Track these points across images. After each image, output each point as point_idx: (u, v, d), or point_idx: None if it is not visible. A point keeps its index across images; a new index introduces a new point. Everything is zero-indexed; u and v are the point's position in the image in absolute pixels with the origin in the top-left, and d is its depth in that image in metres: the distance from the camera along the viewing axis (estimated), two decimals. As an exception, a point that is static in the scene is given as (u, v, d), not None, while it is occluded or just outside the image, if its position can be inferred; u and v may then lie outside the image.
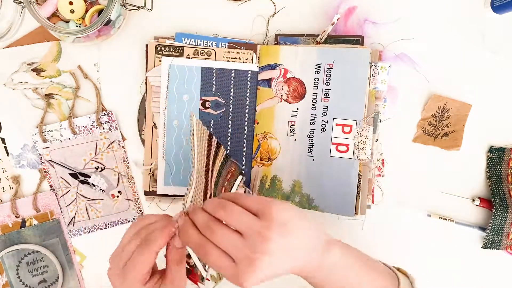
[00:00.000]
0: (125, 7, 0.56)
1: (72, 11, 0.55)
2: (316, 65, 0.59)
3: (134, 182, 0.63)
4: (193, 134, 0.51)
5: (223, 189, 0.58)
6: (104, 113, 0.62)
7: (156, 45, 0.60)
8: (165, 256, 0.46)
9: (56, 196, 0.63)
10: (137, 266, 0.43)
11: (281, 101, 0.61)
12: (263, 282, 0.40)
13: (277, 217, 0.41)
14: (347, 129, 0.59)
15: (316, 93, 0.60)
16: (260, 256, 0.39)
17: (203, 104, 0.62)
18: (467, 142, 0.62)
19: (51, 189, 0.63)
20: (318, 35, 0.60)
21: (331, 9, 0.61)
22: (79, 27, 0.56)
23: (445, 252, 0.64)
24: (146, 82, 0.62)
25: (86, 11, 0.56)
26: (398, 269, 0.53)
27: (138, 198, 0.64)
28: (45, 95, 0.62)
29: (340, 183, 0.60)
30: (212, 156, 0.56)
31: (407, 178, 0.63)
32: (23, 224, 0.62)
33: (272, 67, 0.61)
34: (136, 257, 0.43)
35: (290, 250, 0.41)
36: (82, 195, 0.63)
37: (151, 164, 0.62)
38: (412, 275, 0.52)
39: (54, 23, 0.56)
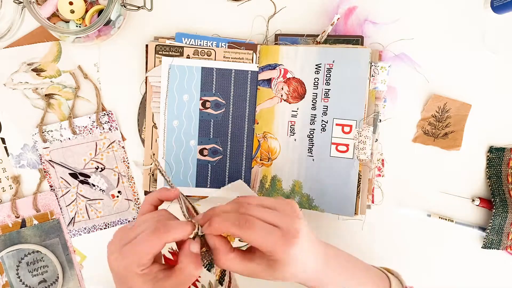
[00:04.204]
0: (125, 7, 0.56)
1: (72, 11, 0.55)
2: (316, 65, 0.59)
3: (134, 182, 0.63)
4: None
5: None
6: (104, 113, 0.62)
7: (156, 45, 0.60)
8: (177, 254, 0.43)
9: (56, 196, 0.63)
10: (140, 249, 0.39)
11: (281, 101, 0.61)
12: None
13: (301, 212, 0.44)
14: (347, 129, 0.59)
15: (316, 93, 0.60)
16: (298, 216, 0.42)
17: (203, 104, 0.62)
18: (467, 142, 0.62)
19: (51, 189, 0.63)
20: (318, 35, 0.60)
21: (331, 9, 0.61)
22: (79, 27, 0.56)
23: (445, 252, 0.64)
24: (146, 82, 0.62)
25: (86, 11, 0.56)
26: (387, 270, 0.53)
27: (138, 198, 0.64)
28: (45, 95, 0.62)
29: (340, 183, 0.60)
30: None
31: (407, 178, 0.63)
32: (23, 224, 0.62)
33: (272, 67, 0.61)
34: (142, 239, 0.39)
35: (311, 245, 0.43)
36: (82, 195, 0.63)
37: (151, 164, 0.62)
38: (397, 271, 0.53)
39: (54, 23, 0.56)
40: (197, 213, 0.47)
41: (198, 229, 0.42)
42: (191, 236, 0.41)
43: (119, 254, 0.40)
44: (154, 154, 0.45)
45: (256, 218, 0.41)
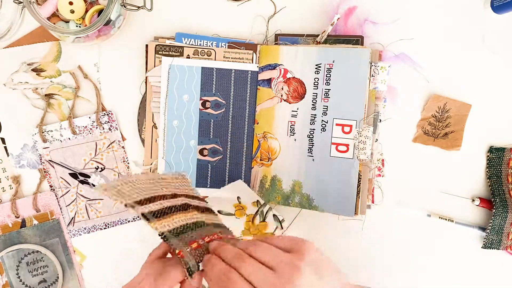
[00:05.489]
0: (125, 7, 0.56)
1: (72, 11, 0.55)
2: (316, 65, 0.60)
3: (134, 182, 0.63)
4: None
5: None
6: (104, 113, 0.62)
7: (156, 45, 0.60)
8: None
9: (56, 196, 0.63)
10: None
11: (281, 101, 0.61)
12: None
13: (309, 253, 0.38)
14: (347, 129, 0.59)
15: (316, 93, 0.60)
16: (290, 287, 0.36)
17: (203, 104, 0.62)
18: (467, 142, 0.62)
19: (51, 189, 0.63)
20: (318, 35, 0.60)
21: (331, 9, 0.61)
22: (79, 27, 0.56)
23: (445, 252, 0.64)
24: (146, 82, 0.62)
25: (86, 11, 0.56)
26: None
27: (138, 198, 0.64)
28: (45, 95, 0.62)
29: (340, 183, 0.60)
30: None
31: (407, 178, 0.63)
32: (23, 224, 0.62)
33: (272, 67, 0.61)
34: None
35: None
36: (82, 195, 0.63)
37: (151, 164, 0.62)
38: None
39: (54, 23, 0.56)
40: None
41: (192, 266, 0.40)
42: (191, 275, 0.40)
43: None
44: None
45: (242, 278, 0.37)
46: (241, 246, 0.40)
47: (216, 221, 0.46)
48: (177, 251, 0.40)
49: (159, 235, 0.39)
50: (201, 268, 0.41)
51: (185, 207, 0.43)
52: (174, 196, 0.44)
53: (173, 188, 0.45)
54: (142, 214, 0.39)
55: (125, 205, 0.39)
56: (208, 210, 0.46)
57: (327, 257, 0.41)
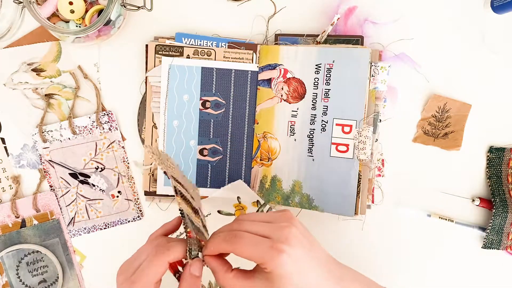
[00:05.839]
0: (125, 7, 0.56)
1: (72, 11, 0.55)
2: (316, 65, 0.59)
3: (134, 182, 0.63)
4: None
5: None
6: (104, 113, 0.62)
7: (156, 45, 0.60)
8: (178, 278, 0.44)
9: (56, 196, 0.63)
10: (145, 275, 0.41)
11: (281, 101, 0.61)
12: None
13: (295, 218, 0.43)
14: (347, 129, 0.59)
15: (316, 93, 0.60)
16: (289, 225, 0.41)
17: (203, 104, 0.62)
18: (467, 142, 0.62)
19: (51, 189, 0.63)
20: (318, 35, 0.60)
21: (331, 9, 0.61)
22: (79, 27, 0.56)
23: (445, 252, 0.64)
24: (146, 82, 0.62)
25: (86, 11, 0.56)
26: None
27: (138, 198, 0.64)
28: (45, 95, 0.62)
29: (340, 183, 0.60)
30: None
31: (407, 178, 0.63)
32: (23, 224, 0.62)
33: (272, 67, 0.61)
34: (147, 264, 0.41)
35: (309, 255, 0.41)
36: (82, 195, 0.63)
37: (151, 164, 0.62)
38: None
39: (54, 23, 0.56)
40: (204, 227, 0.47)
41: (193, 249, 0.42)
42: (191, 257, 0.42)
43: (129, 283, 0.42)
44: (150, 145, 0.45)
45: (246, 232, 0.41)
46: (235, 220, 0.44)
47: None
48: (188, 230, 0.42)
49: (179, 209, 0.42)
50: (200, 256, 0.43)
51: (195, 211, 0.45)
52: (191, 197, 0.46)
53: (191, 190, 0.47)
54: (175, 187, 0.41)
55: (164, 173, 0.43)
56: (205, 227, 0.48)
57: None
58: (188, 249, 0.42)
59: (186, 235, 0.43)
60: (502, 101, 0.62)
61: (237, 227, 0.42)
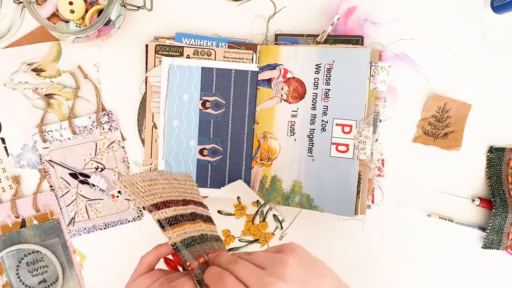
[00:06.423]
0: (125, 7, 0.56)
1: (72, 11, 0.55)
2: (316, 65, 0.60)
3: (134, 182, 0.63)
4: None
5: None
6: (104, 113, 0.62)
7: (156, 45, 0.60)
8: None
9: (56, 196, 0.63)
10: None
11: (281, 101, 0.61)
12: None
13: (297, 250, 0.40)
14: (347, 129, 0.59)
15: (316, 93, 0.60)
16: (276, 281, 0.37)
17: (203, 104, 0.62)
18: (467, 142, 0.62)
19: (51, 189, 0.63)
20: (318, 35, 0.60)
21: (331, 9, 0.61)
22: (79, 27, 0.56)
23: (445, 252, 0.64)
24: (146, 82, 0.62)
25: (86, 11, 0.56)
26: None
27: (138, 198, 0.64)
28: (45, 95, 0.62)
29: (340, 183, 0.60)
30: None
31: (407, 178, 0.63)
32: (23, 224, 0.62)
33: (272, 67, 0.61)
34: None
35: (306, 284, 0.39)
36: (82, 195, 0.63)
37: (151, 164, 0.62)
38: None
39: (54, 23, 0.56)
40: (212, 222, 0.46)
41: (202, 279, 0.41)
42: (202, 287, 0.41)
43: None
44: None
45: (233, 276, 0.39)
46: (236, 254, 0.41)
47: (215, 232, 0.47)
48: (188, 263, 0.40)
49: (172, 245, 0.40)
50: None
51: (193, 217, 0.44)
52: (185, 202, 0.44)
53: (183, 191, 0.45)
54: (158, 221, 0.39)
55: (143, 208, 0.39)
56: (209, 220, 0.47)
57: (315, 257, 0.42)
58: (196, 281, 0.40)
59: (188, 270, 0.41)
60: (502, 101, 0.62)
61: (231, 266, 0.40)
